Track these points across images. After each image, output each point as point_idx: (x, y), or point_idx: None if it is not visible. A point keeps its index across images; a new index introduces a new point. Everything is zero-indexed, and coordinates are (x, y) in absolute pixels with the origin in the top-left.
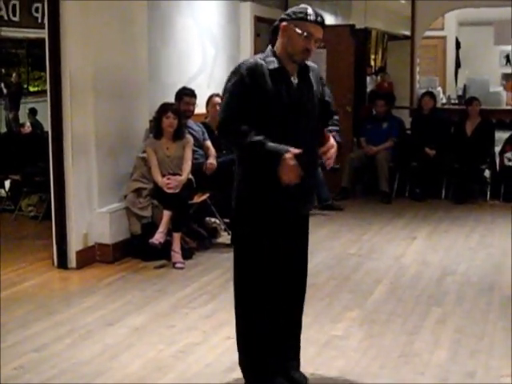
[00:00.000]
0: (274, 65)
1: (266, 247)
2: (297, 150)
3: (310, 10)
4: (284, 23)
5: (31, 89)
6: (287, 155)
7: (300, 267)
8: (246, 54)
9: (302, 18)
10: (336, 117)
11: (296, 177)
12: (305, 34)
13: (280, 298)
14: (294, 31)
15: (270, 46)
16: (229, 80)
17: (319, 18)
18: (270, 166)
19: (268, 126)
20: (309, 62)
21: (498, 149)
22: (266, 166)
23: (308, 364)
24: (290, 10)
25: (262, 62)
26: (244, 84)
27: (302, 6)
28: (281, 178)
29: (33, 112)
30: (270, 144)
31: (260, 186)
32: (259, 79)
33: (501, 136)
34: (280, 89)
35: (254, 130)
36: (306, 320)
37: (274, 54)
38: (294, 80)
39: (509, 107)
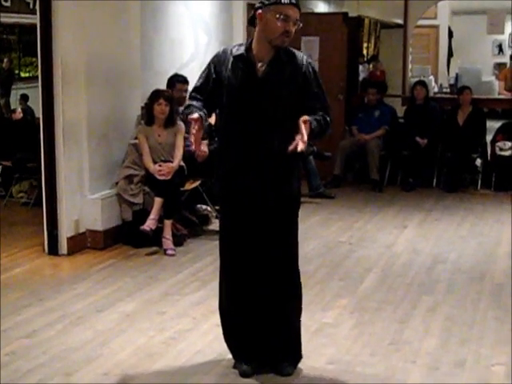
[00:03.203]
0: (239, 52)
1: (227, 226)
2: (195, 115)
3: None
4: (259, 11)
5: (23, 74)
6: (193, 120)
7: (276, 258)
8: (239, 41)
9: (276, 2)
10: (321, 113)
11: (198, 147)
12: (282, 16)
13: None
14: (270, 16)
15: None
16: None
17: (293, 0)
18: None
19: (225, 110)
20: (297, 52)
21: (489, 138)
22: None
23: None
24: None
25: (231, 49)
26: (209, 70)
27: None
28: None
29: (24, 98)
30: (192, 110)
31: (222, 172)
32: (220, 65)
33: (492, 125)
34: (238, 75)
35: (207, 109)
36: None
37: (250, 42)
38: (262, 68)
39: (501, 96)
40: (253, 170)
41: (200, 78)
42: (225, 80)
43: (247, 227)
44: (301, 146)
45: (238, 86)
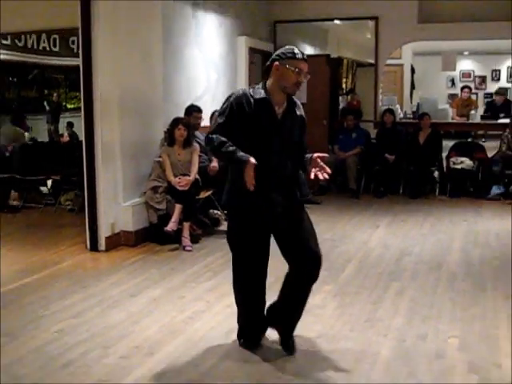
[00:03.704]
0: (260, 95)
1: (239, 233)
2: (254, 161)
3: (296, 50)
4: (276, 63)
5: (69, 106)
6: (250, 165)
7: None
8: (242, 78)
9: (292, 57)
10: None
11: (251, 183)
12: (296, 69)
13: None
14: (286, 68)
15: (263, 82)
16: (223, 103)
17: (304, 56)
18: (240, 169)
19: (247, 145)
20: (297, 100)
21: (445, 154)
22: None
23: None
24: (279, 52)
25: (250, 92)
26: (231, 109)
27: (288, 47)
28: (245, 180)
29: (70, 125)
30: (240, 153)
31: (237, 191)
32: (243, 106)
33: (447, 144)
34: (261, 115)
35: (233, 143)
36: None
37: (265, 88)
38: (279, 111)
39: (454, 121)
40: (274, 188)
41: (223, 115)
42: (248, 118)
43: (267, 232)
44: (326, 176)
45: (261, 125)
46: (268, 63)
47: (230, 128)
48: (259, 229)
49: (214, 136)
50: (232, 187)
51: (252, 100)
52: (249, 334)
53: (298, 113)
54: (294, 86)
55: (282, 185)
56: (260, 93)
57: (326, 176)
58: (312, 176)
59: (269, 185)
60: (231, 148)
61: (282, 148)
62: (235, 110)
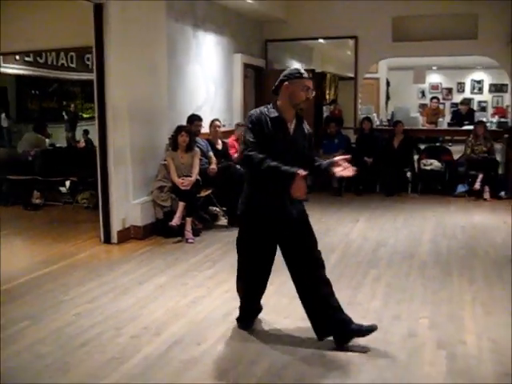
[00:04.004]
0: (274, 114)
1: (252, 239)
2: (304, 172)
3: (302, 70)
4: (286, 83)
5: (84, 115)
6: (299, 176)
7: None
8: (238, 90)
9: (299, 77)
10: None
11: (304, 193)
12: (304, 87)
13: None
14: (296, 87)
15: (273, 102)
16: (246, 126)
17: (309, 75)
18: (284, 183)
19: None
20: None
21: (416, 157)
22: (280, 183)
23: (282, 311)
24: (287, 73)
25: (266, 112)
26: (254, 127)
27: (294, 68)
28: (292, 193)
29: (86, 132)
30: (284, 167)
31: (255, 200)
32: (263, 125)
33: (418, 148)
34: (278, 132)
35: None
36: (280, 279)
37: (276, 107)
38: (291, 126)
39: (424, 127)
40: (287, 197)
41: (251, 133)
42: (266, 135)
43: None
44: (351, 173)
45: (277, 141)
46: (277, 84)
47: (260, 144)
48: (272, 235)
49: (252, 153)
50: (249, 196)
51: (268, 119)
52: (246, 320)
53: (305, 128)
54: (304, 103)
55: (292, 201)
56: (273, 112)
57: (352, 173)
58: (338, 175)
59: (283, 194)
60: (273, 163)
61: (294, 160)
62: (257, 127)
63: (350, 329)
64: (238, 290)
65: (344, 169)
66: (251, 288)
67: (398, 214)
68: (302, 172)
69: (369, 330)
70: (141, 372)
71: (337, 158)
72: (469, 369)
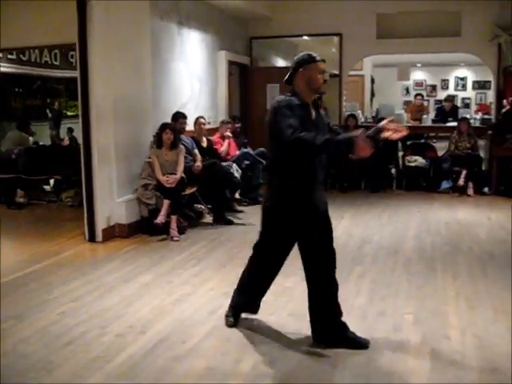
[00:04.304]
0: (298, 101)
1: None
2: (360, 130)
3: (314, 54)
4: (301, 70)
5: (69, 113)
6: (359, 136)
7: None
8: (222, 88)
9: (313, 61)
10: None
11: (370, 150)
12: (320, 71)
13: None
14: (312, 72)
15: (291, 91)
16: (275, 113)
17: (320, 57)
18: (346, 151)
19: None
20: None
21: (401, 153)
22: (341, 153)
23: (268, 308)
24: (299, 59)
25: (289, 99)
26: (288, 112)
27: (304, 53)
28: (358, 154)
29: (70, 130)
30: (337, 137)
31: (289, 192)
32: (293, 109)
33: (405, 144)
34: (304, 117)
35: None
36: None
37: (295, 94)
38: (312, 112)
39: (408, 124)
40: (317, 187)
41: (287, 117)
42: (298, 119)
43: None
44: (403, 133)
45: (306, 126)
46: (290, 72)
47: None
48: (301, 228)
49: (301, 134)
50: (282, 189)
51: (295, 104)
52: (238, 316)
53: (322, 114)
54: (322, 85)
55: (321, 182)
56: (296, 99)
57: (404, 133)
58: (392, 138)
59: (313, 183)
60: (325, 137)
61: None
62: (290, 112)
63: (346, 336)
64: (241, 285)
65: (395, 131)
66: (263, 283)
67: (383, 211)
68: (359, 133)
69: (360, 345)
70: (126, 371)
71: (382, 123)
72: (453, 364)
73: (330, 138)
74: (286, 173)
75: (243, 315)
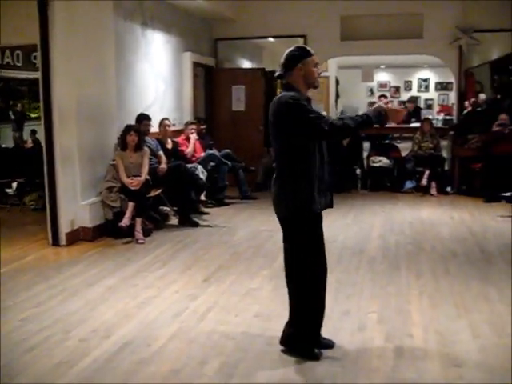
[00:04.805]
0: (305, 97)
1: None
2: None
3: (307, 47)
4: (299, 65)
5: (32, 115)
6: (384, 106)
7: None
8: (187, 89)
9: (308, 55)
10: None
11: (402, 115)
12: (315, 64)
13: None
14: (309, 66)
15: (286, 87)
16: (291, 109)
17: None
18: (379, 122)
19: (306, 144)
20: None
21: (365, 154)
22: (372, 126)
23: (233, 309)
24: (296, 54)
25: (298, 96)
26: (305, 105)
27: (296, 47)
28: (394, 121)
29: (33, 132)
30: (366, 113)
31: (306, 194)
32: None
33: (367, 145)
34: None
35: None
36: (231, 277)
37: (294, 90)
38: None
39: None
40: (323, 186)
41: (307, 109)
42: None
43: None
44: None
45: None
46: (286, 68)
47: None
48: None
49: (331, 120)
50: (298, 192)
51: (304, 101)
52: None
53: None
54: (317, 79)
55: (325, 180)
56: (300, 95)
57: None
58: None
59: (321, 181)
60: (352, 116)
61: (321, 144)
62: (306, 104)
63: (317, 338)
64: (303, 302)
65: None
66: (319, 283)
67: (348, 211)
68: (382, 103)
69: (325, 346)
70: (90, 375)
71: (380, 104)
72: (416, 361)
73: (362, 117)
74: (298, 174)
75: (209, 316)
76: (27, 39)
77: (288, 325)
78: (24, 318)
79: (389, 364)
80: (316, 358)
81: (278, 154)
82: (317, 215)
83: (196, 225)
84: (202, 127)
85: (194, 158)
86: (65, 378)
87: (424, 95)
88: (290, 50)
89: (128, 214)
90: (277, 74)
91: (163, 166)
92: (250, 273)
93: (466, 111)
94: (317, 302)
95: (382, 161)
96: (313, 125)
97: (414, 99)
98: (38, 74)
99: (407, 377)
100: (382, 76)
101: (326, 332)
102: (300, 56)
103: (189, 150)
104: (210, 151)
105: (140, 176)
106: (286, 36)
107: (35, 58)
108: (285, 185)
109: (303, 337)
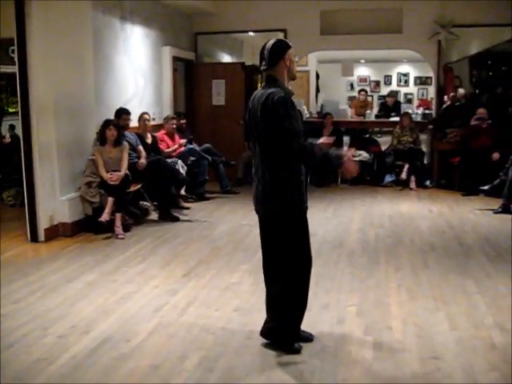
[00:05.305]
0: (288, 96)
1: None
2: (352, 151)
3: (286, 39)
4: (286, 56)
5: (10, 110)
6: (348, 155)
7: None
8: (167, 83)
9: (289, 46)
10: None
11: (357, 170)
12: (294, 55)
13: None
14: (291, 58)
15: (270, 79)
16: (278, 109)
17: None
18: (334, 166)
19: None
20: None
21: (346, 148)
22: (330, 166)
23: (213, 303)
24: (279, 46)
25: (286, 94)
26: (290, 112)
27: (278, 39)
28: (346, 173)
29: (12, 127)
30: (330, 152)
31: (297, 195)
32: (292, 109)
33: (347, 139)
34: (297, 116)
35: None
36: (211, 272)
37: (279, 86)
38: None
39: (352, 119)
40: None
41: (291, 119)
42: (295, 116)
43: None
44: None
45: (298, 125)
46: (272, 61)
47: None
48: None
49: (305, 143)
50: (290, 193)
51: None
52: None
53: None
54: (295, 71)
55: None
56: (284, 92)
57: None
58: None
59: (303, 179)
60: (323, 150)
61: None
62: (291, 111)
63: (298, 332)
64: (296, 300)
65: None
66: (306, 293)
67: (328, 205)
68: (349, 153)
69: (305, 339)
70: (69, 372)
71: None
72: (394, 353)
73: (326, 153)
74: (288, 175)
75: (189, 310)
76: (4, 33)
77: (268, 319)
78: (3, 315)
79: (368, 356)
80: (297, 351)
81: (264, 151)
82: (305, 211)
83: (176, 220)
84: (182, 122)
85: (173, 153)
86: (44, 374)
87: (404, 89)
88: (271, 42)
89: (107, 210)
90: (263, 67)
91: (143, 160)
92: (230, 267)
93: (444, 105)
94: (302, 297)
95: (362, 155)
96: (287, 135)
97: (393, 93)
98: (15, 69)
99: (386, 368)
100: (362, 70)
101: (305, 325)
102: (285, 48)
103: (171, 149)
104: (190, 146)
105: (119, 171)
106: (266, 30)
107: (13, 51)
108: (275, 183)
109: (286, 331)
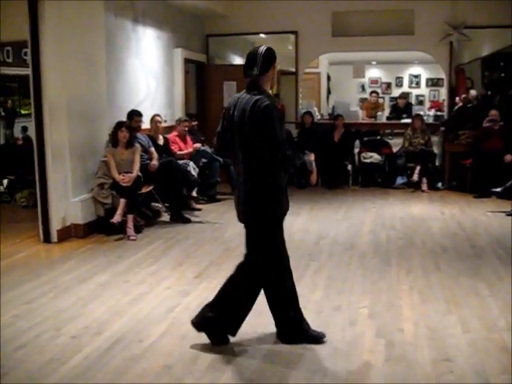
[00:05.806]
0: (275, 100)
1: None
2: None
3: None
4: (275, 65)
5: (22, 112)
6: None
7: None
8: (179, 86)
9: (275, 56)
10: None
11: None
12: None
13: None
14: (276, 68)
15: (256, 86)
16: (269, 118)
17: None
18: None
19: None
20: None
21: (357, 150)
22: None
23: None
24: (270, 54)
25: (273, 102)
26: (278, 121)
27: (265, 46)
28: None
29: (24, 129)
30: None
31: (282, 199)
32: (277, 117)
33: (358, 141)
34: (281, 123)
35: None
36: (222, 273)
37: (263, 93)
38: None
39: (364, 121)
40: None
41: (279, 128)
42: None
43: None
44: None
45: (282, 131)
46: (261, 69)
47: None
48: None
49: (289, 153)
50: (277, 197)
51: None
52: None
53: None
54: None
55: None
56: (267, 99)
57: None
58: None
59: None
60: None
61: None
62: (279, 120)
63: (304, 331)
64: (285, 300)
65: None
66: (294, 290)
67: (339, 207)
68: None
69: (316, 339)
70: (82, 372)
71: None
72: (406, 355)
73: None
74: (276, 180)
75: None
76: (17, 35)
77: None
78: (15, 315)
79: (380, 358)
80: (319, 340)
81: (249, 157)
82: (285, 214)
83: (188, 221)
84: (194, 123)
85: (185, 155)
86: (56, 374)
87: (415, 91)
88: (263, 49)
89: (119, 211)
90: (255, 72)
91: (154, 162)
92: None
93: (456, 107)
94: (292, 288)
95: (373, 157)
96: (274, 141)
97: (405, 95)
98: (28, 71)
99: (398, 371)
100: (373, 72)
101: (317, 326)
102: (274, 57)
103: (182, 152)
104: (202, 147)
105: (131, 173)
106: (277, 32)
107: (26, 54)
108: (259, 190)
109: (287, 326)
